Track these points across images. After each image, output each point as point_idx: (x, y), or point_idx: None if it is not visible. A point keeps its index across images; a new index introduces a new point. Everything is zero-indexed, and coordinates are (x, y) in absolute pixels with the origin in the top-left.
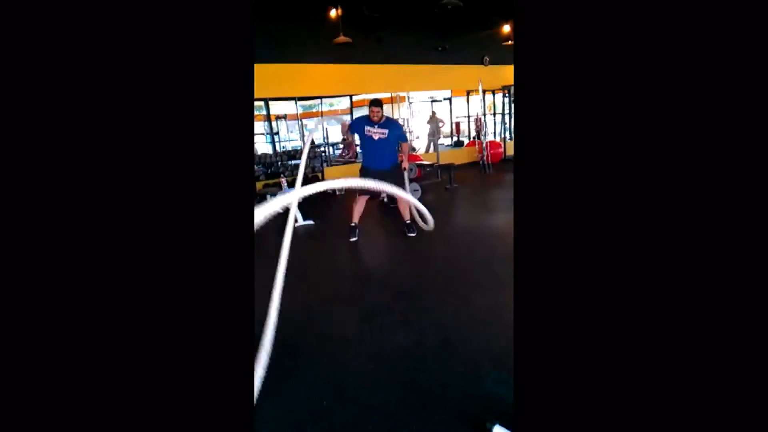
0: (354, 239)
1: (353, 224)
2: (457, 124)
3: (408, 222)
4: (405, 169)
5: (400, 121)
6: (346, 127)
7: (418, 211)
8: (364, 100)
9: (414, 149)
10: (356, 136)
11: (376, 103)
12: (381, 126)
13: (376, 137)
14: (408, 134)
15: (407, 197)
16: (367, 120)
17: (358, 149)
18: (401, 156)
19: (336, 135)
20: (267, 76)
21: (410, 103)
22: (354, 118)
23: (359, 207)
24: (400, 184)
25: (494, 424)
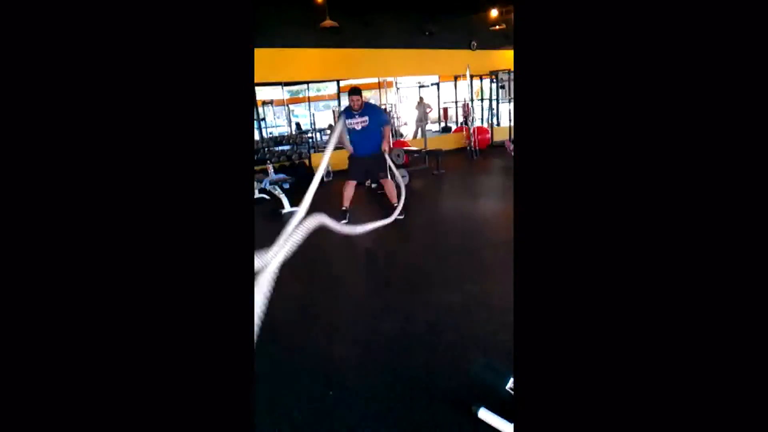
0: (345, 222)
1: (344, 208)
2: (445, 110)
3: (396, 205)
4: (385, 151)
5: (387, 107)
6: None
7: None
8: (351, 85)
9: (401, 135)
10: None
11: (355, 92)
12: (361, 114)
13: (358, 127)
14: (391, 118)
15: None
16: (347, 113)
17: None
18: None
19: (323, 121)
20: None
21: (398, 88)
22: (339, 114)
23: (349, 192)
24: (385, 168)
25: (479, 408)
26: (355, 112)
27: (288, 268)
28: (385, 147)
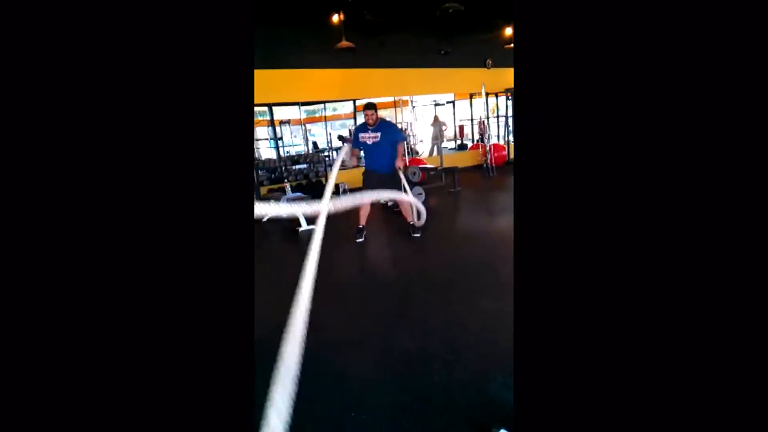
0: (360, 240)
1: (360, 226)
2: (461, 128)
3: (412, 223)
4: (399, 169)
5: (403, 125)
6: (350, 147)
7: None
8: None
9: (417, 152)
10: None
11: (369, 107)
12: (374, 130)
13: (369, 141)
14: (408, 136)
15: (407, 198)
16: (362, 128)
17: (361, 153)
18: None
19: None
20: (271, 81)
21: (413, 106)
22: (354, 129)
23: (365, 210)
24: (399, 186)
25: (500, 430)
26: (370, 128)
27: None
28: (399, 164)
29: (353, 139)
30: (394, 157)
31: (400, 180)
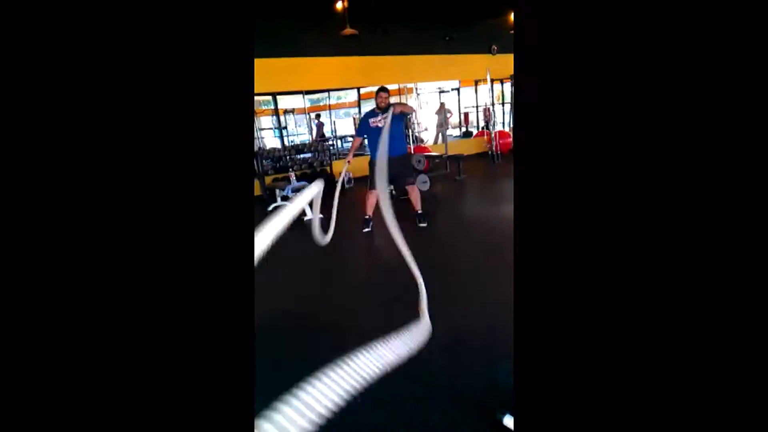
0: (367, 230)
1: (367, 216)
2: (466, 115)
3: (419, 212)
4: (395, 112)
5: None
6: (359, 141)
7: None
8: (371, 93)
9: (422, 141)
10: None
11: (384, 89)
12: (384, 111)
13: (381, 124)
14: (412, 124)
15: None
16: (371, 113)
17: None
18: (409, 148)
19: (343, 129)
20: (275, 70)
21: (418, 94)
22: (360, 119)
23: (372, 200)
24: (411, 172)
25: (505, 414)
26: (379, 112)
27: (307, 272)
28: (398, 109)
29: (359, 127)
30: (404, 143)
31: (412, 165)
